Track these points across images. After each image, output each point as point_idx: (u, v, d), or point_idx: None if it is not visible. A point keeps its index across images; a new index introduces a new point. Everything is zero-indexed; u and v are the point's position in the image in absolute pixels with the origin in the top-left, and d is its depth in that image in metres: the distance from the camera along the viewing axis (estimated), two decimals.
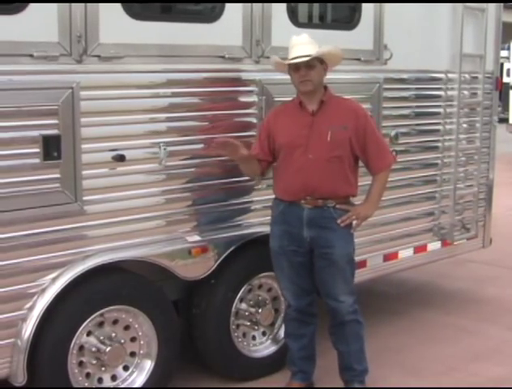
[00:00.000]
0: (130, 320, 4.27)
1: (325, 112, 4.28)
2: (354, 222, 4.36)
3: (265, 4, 4.54)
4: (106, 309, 4.14)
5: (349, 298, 4.40)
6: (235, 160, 4.37)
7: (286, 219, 4.34)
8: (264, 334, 4.96)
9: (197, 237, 4.42)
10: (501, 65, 14.25)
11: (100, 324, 4.18)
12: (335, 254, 4.30)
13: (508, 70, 18.84)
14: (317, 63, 4.21)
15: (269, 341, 4.96)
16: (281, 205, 4.36)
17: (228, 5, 4.37)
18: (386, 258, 5.53)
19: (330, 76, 4.85)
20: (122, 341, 4.24)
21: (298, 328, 4.57)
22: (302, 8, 5.11)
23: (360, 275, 4.96)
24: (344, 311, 4.41)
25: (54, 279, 3.89)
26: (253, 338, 4.92)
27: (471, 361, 5.24)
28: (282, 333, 4.94)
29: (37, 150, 3.73)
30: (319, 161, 4.22)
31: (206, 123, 4.40)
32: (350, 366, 4.54)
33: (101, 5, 3.85)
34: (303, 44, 4.22)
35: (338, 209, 4.29)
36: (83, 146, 3.88)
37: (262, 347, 4.93)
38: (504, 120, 15.68)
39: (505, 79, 17.98)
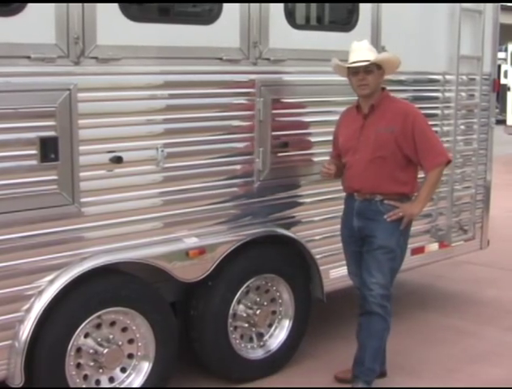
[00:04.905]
0: (128, 322, 4.27)
1: (374, 115, 4.51)
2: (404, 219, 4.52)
3: (262, 6, 4.55)
4: (104, 311, 4.13)
5: (379, 289, 4.50)
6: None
7: (345, 209, 4.72)
8: (262, 336, 4.95)
9: (194, 239, 4.42)
10: (499, 66, 14.26)
11: (98, 326, 4.17)
12: (375, 244, 4.50)
13: (505, 71, 18.79)
14: (375, 69, 4.44)
15: (266, 343, 4.96)
16: (345, 197, 4.74)
17: (225, 6, 4.37)
18: None
19: (329, 78, 4.90)
20: (120, 343, 4.23)
21: None
22: (300, 10, 5.12)
23: None
24: (371, 299, 4.51)
25: (52, 281, 3.89)
26: (251, 340, 4.92)
27: (470, 363, 5.24)
28: (279, 335, 4.95)
29: (35, 152, 3.73)
30: (363, 161, 4.49)
31: (204, 125, 4.40)
32: (362, 361, 4.61)
33: (99, 6, 3.85)
34: (363, 49, 4.47)
35: (386, 204, 4.48)
36: (81, 148, 3.88)
37: (260, 349, 4.93)
38: (501, 121, 15.69)
39: (503, 81, 17.93)
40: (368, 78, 4.41)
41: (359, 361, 4.64)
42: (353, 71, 4.44)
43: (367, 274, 4.53)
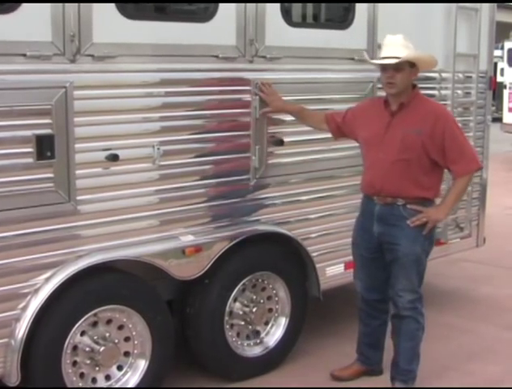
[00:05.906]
0: (124, 320, 4.27)
1: (403, 114, 4.33)
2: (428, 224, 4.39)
3: (259, 3, 4.54)
4: (100, 308, 4.13)
5: (408, 295, 4.45)
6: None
7: (363, 212, 4.55)
8: (258, 333, 4.95)
9: (191, 237, 4.42)
10: (495, 64, 14.26)
11: (94, 324, 4.17)
12: (400, 252, 4.38)
13: (502, 69, 18.80)
14: (406, 66, 4.24)
15: (263, 341, 4.96)
16: (363, 198, 4.56)
17: (221, 4, 4.36)
18: None
19: (325, 76, 4.89)
20: (116, 341, 4.23)
21: (365, 318, 4.77)
22: (296, 7, 5.11)
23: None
24: (400, 305, 4.48)
25: (48, 279, 3.88)
26: (247, 337, 4.92)
27: (466, 361, 5.24)
28: (276, 333, 4.95)
29: (30, 149, 3.72)
30: (386, 161, 4.31)
31: (200, 123, 4.40)
32: (397, 363, 4.61)
33: (95, 4, 3.84)
34: (395, 45, 4.24)
35: (408, 209, 4.34)
36: (77, 145, 3.87)
37: (256, 346, 4.92)
38: (498, 119, 15.69)
39: (499, 79, 17.98)
40: (397, 76, 4.21)
41: (394, 362, 4.63)
42: (382, 67, 4.28)
43: (395, 280, 4.46)
